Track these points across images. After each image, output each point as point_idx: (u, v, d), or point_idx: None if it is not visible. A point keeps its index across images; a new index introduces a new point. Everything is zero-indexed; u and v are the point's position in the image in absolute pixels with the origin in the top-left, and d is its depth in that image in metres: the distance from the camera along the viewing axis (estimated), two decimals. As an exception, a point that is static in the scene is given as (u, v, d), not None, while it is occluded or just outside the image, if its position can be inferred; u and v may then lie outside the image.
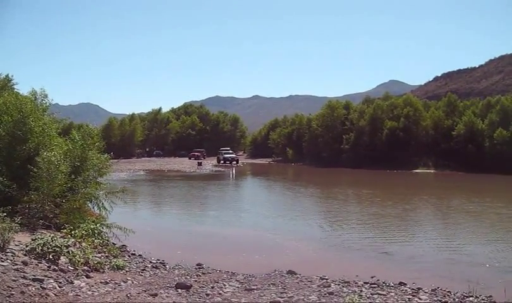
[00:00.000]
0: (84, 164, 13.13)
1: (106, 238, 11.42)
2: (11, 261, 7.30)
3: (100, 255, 9.75)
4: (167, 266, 10.73)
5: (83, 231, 10.50)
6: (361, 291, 8.61)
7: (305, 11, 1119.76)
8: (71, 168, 12.26)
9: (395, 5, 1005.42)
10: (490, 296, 8.55)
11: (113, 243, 11.66)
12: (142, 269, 9.80)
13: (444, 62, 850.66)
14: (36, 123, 12.04)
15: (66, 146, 13.24)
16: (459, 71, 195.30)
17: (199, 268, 10.75)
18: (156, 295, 7.33)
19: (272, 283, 9.11)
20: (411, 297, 8.42)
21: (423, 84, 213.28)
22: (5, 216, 8.96)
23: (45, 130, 12.32)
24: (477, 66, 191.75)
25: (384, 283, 9.59)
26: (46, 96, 14.01)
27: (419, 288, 9.14)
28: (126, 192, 14.03)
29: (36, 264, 7.56)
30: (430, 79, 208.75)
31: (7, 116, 11.94)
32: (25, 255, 7.86)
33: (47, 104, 14.04)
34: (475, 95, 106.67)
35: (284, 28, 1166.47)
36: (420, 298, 8.33)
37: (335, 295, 8.15)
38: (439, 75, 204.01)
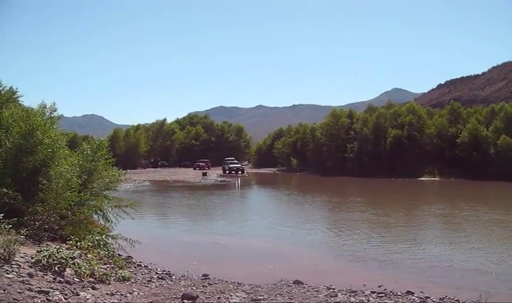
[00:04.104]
0: (91, 176, 13.14)
1: (112, 250, 11.36)
2: (17, 273, 7.28)
3: (105, 266, 9.72)
4: (173, 277, 10.70)
5: (89, 243, 10.47)
6: (368, 300, 8.54)
7: (309, 20, 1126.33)
8: (81, 182, 12.26)
9: (398, 13, 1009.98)
10: (499, 304, 8.47)
11: (119, 254, 11.62)
12: (148, 280, 9.75)
13: (447, 70, 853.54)
14: (45, 135, 12.04)
15: (75, 158, 13.24)
16: (462, 78, 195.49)
17: (205, 279, 10.71)
18: (162, 306, 7.29)
19: (278, 293, 9.04)
20: (419, 306, 8.35)
21: (426, 92, 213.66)
22: (10, 228, 8.96)
23: (54, 143, 12.30)
24: (480, 73, 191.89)
25: (391, 292, 9.52)
26: (55, 109, 14.07)
27: (427, 297, 9.06)
28: (134, 206, 13.91)
29: (41, 276, 7.53)
30: (434, 87, 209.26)
31: (15, 128, 11.96)
32: (31, 267, 7.84)
33: (56, 117, 14.08)
34: (479, 102, 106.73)
35: (288, 38, 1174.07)
36: (428, 307, 8.26)
37: (343, 304, 8.08)
38: (442, 83, 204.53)
